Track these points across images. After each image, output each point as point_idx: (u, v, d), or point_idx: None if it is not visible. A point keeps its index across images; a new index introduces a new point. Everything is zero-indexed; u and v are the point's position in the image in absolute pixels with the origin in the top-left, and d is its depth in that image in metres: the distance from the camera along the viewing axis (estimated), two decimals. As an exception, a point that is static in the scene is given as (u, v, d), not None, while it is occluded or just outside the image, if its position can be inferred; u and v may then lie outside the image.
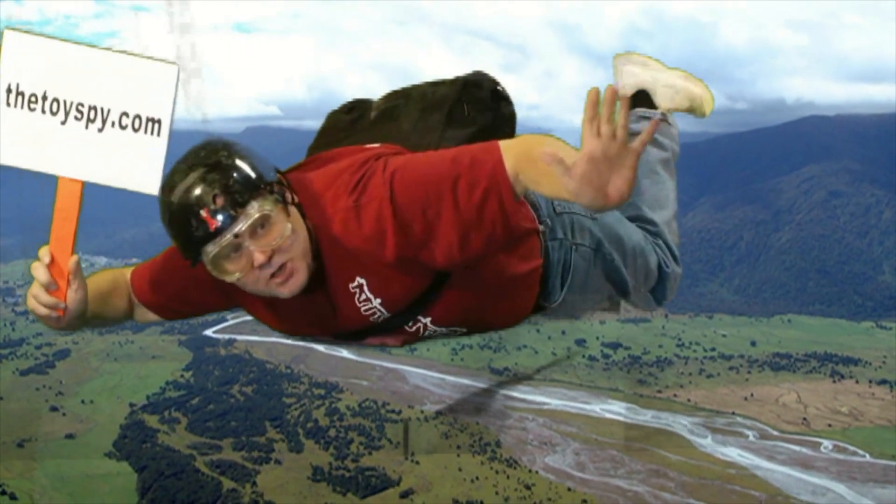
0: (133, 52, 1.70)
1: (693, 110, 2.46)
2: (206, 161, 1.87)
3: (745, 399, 67.00)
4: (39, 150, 1.73)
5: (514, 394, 62.81)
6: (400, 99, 2.40)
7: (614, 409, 64.52)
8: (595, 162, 1.59)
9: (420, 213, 1.88)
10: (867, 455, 56.67)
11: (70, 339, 79.48)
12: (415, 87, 2.40)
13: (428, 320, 2.17)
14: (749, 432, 60.78)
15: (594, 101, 1.57)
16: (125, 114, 1.73)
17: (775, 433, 60.54)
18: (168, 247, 2.20)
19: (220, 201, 1.79)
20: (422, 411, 60.78)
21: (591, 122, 1.58)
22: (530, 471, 52.79)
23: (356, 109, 2.48)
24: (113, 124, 1.72)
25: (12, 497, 46.81)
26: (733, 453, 57.01)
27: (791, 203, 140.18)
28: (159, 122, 1.78)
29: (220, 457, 53.21)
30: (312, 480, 50.34)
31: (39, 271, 1.79)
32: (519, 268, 2.21)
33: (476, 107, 2.32)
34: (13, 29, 1.67)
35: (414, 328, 2.19)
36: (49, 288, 1.80)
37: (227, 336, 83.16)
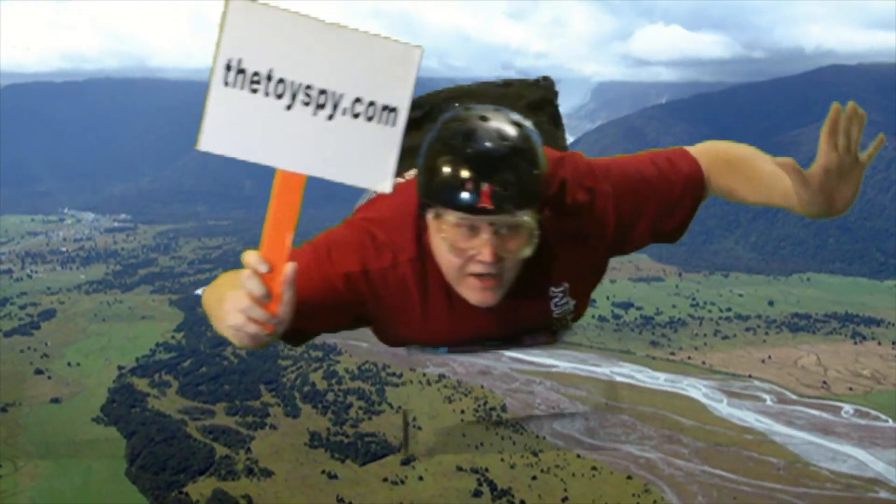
0: (371, 31, 1.55)
1: None
2: (524, 144, 1.77)
3: (763, 361, 66.60)
4: (257, 138, 1.51)
5: (521, 356, 62.00)
6: (474, 98, 2.48)
7: (625, 372, 64.02)
8: (830, 173, 1.76)
9: (634, 211, 2.02)
10: (890, 420, 56.07)
11: (56, 298, 79.52)
12: (478, 86, 2.72)
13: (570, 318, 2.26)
14: (766, 396, 60.40)
15: (836, 115, 1.67)
16: (359, 100, 1.55)
17: (794, 397, 60.17)
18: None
19: (509, 190, 1.72)
20: (424, 374, 60.19)
21: (830, 135, 1.71)
22: (537, 437, 52.38)
23: (416, 107, 2.24)
24: (345, 111, 1.54)
25: (-5, 464, 46.54)
26: (750, 418, 56.60)
27: (811, 156, 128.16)
28: (395, 110, 1.57)
29: (212, 422, 52.90)
30: (309, 446, 49.98)
31: (254, 283, 1.50)
32: None
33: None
34: None
35: (558, 328, 2.26)
36: (263, 301, 1.53)
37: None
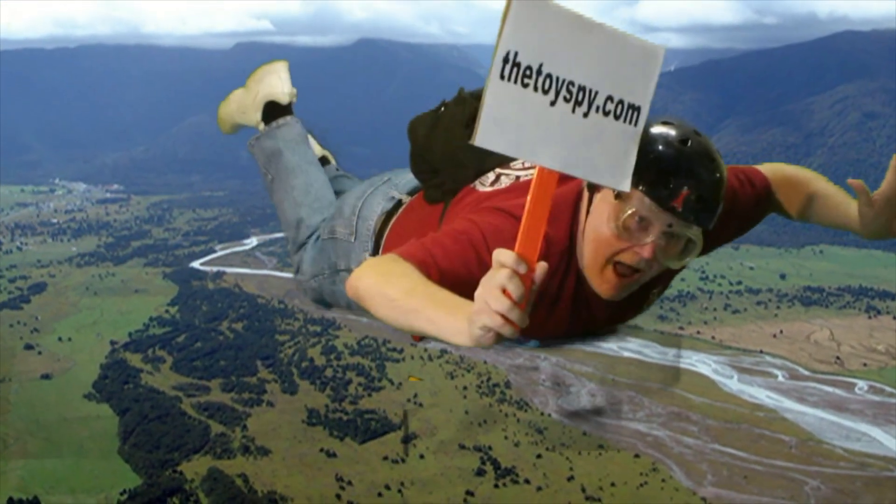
0: (622, 30, 1.63)
1: None
2: (722, 170, 1.98)
3: (774, 336, 66.14)
4: (525, 133, 1.55)
5: (525, 331, 61.45)
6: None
7: (633, 348, 63.21)
8: (893, 198, 2.03)
9: (725, 221, 2.14)
10: (905, 396, 55.55)
11: (46, 271, 78.96)
12: None
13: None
14: (778, 372, 59.98)
15: None
16: (610, 98, 1.62)
17: (806, 373, 59.72)
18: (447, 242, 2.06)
19: (703, 203, 1.91)
20: (425, 350, 59.59)
21: None
22: (542, 414, 51.91)
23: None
24: (598, 109, 1.60)
25: (-17, 442, 46.11)
26: (761, 395, 56.20)
27: (823, 125, 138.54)
28: (639, 109, 1.66)
29: (207, 399, 52.46)
30: (307, 424, 49.55)
31: (514, 283, 1.51)
32: None
33: None
34: None
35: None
36: (520, 302, 1.55)
37: (215, 268, 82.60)
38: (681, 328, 68.19)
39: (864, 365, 60.72)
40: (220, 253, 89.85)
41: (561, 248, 2.06)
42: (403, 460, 45.86)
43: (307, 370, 56.67)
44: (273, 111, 3.60)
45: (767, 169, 2.33)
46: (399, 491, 42.88)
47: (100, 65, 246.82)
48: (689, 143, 1.92)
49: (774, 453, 47.84)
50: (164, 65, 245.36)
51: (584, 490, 43.01)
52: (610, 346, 63.37)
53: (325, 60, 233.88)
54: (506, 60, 1.47)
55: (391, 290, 1.78)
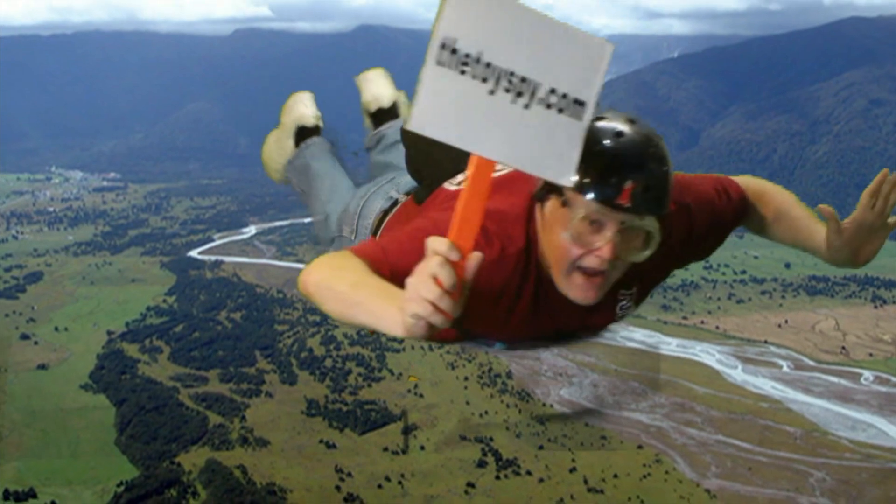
0: (569, 24, 1.63)
1: None
2: (661, 152, 1.94)
3: (779, 326, 65.97)
4: (461, 121, 1.57)
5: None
6: None
7: (636, 338, 63.15)
8: (861, 228, 2.03)
9: (703, 226, 2.22)
10: (911, 387, 55.33)
11: (42, 260, 78.75)
12: None
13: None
14: (783, 362, 59.80)
15: (882, 178, 1.97)
16: (553, 91, 1.61)
17: (811, 363, 59.54)
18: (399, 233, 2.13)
19: (648, 195, 1.87)
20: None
21: (871, 196, 1.99)
22: (544, 404, 51.75)
23: None
24: (540, 101, 1.60)
25: (-21, 434, 45.91)
26: (766, 385, 56.02)
27: (829, 112, 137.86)
28: (584, 104, 1.64)
29: (205, 389, 52.29)
30: (307, 415, 49.39)
31: (445, 271, 1.51)
32: None
33: None
34: None
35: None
36: (451, 291, 1.56)
37: (213, 257, 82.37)
38: (684, 318, 67.97)
39: (870, 355, 60.48)
40: (218, 242, 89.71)
41: (519, 246, 2.03)
42: (404, 451, 45.72)
43: (306, 360, 56.48)
44: (303, 135, 3.75)
45: (743, 181, 2.33)
46: (399, 483, 42.75)
47: (97, 51, 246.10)
48: (624, 135, 1.89)
49: (779, 444, 47.68)
50: (162, 51, 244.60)
51: (586, 482, 42.89)
52: (612, 335, 63.20)
53: (324, 47, 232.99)
54: (443, 47, 1.48)
55: (338, 284, 1.78)
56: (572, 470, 43.92)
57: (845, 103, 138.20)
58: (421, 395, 51.85)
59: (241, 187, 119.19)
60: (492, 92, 1.52)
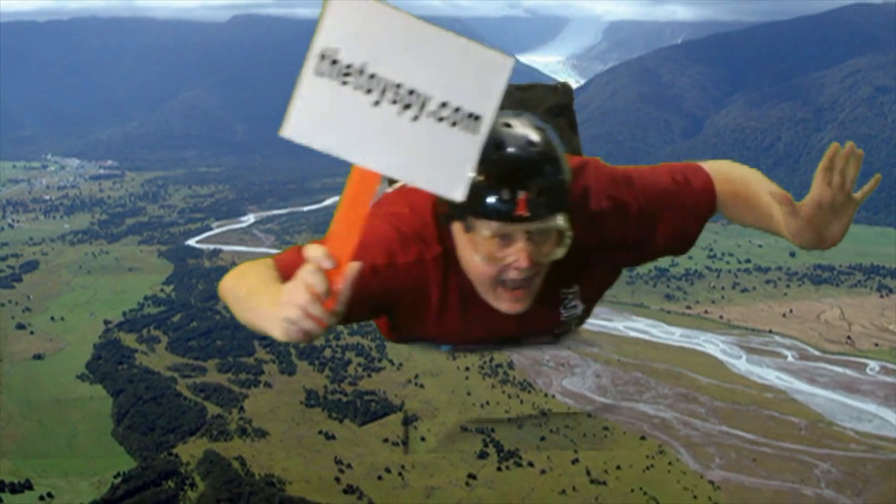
0: (466, 36, 1.63)
1: None
2: (550, 151, 1.89)
3: (784, 316, 65.77)
4: (342, 131, 1.59)
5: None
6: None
7: (639, 327, 63.11)
8: (821, 207, 1.86)
9: (650, 222, 2.13)
10: (918, 377, 55.03)
11: (38, 249, 78.46)
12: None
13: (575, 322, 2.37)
14: (788, 352, 59.56)
15: (833, 153, 1.79)
16: (445, 104, 1.60)
17: (816, 353, 59.34)
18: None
19: (542, 196, 1.84)
20: (426, 329, 59.33)
21: (825, 171, 1.82)
22: (546, 395, 51.55)
23: None
24: (430, 114, 1.59)
25: (-26, 424, 45.68)
26: (770, 375, 55.81)
27: (834, 99, 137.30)
28: (479, 118, 1.62)
29: (204, 379, 52.11)
30: (306, 405, 49.23)
31: (316, 278, 1.56)
32: None
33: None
34: None
35: (562, 331, 2.35)
36: (324, 298, 1.61)
37: (211, 246, 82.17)
38: (688, 307, 67.77)
39: (876, 345, 60.32)
40: (216, 230, 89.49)
41: (435, 252, 2.02)
42: (404, 442, 45.55)
43: (305, 350, 56.18)
44: None
45: (712, 167, 2.21)
46: (400, 474, 42.59)
47: (93, 38, 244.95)
48: (504, 144, 1.83)
49: (784, 436, 47.49)
50: (159, 38, 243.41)
51: (588, 473, 42.74)
52: (615, 325, 63.09)
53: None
54: (323, 57, 1.50)
55: (239, 290, 1.81)
56: (574, 461, 43.76)
57: (850, 90, 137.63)
58: (422, 386, 51.67)
59: (239, 175, 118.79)
60: (376, 103, 1.52)
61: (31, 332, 58.89)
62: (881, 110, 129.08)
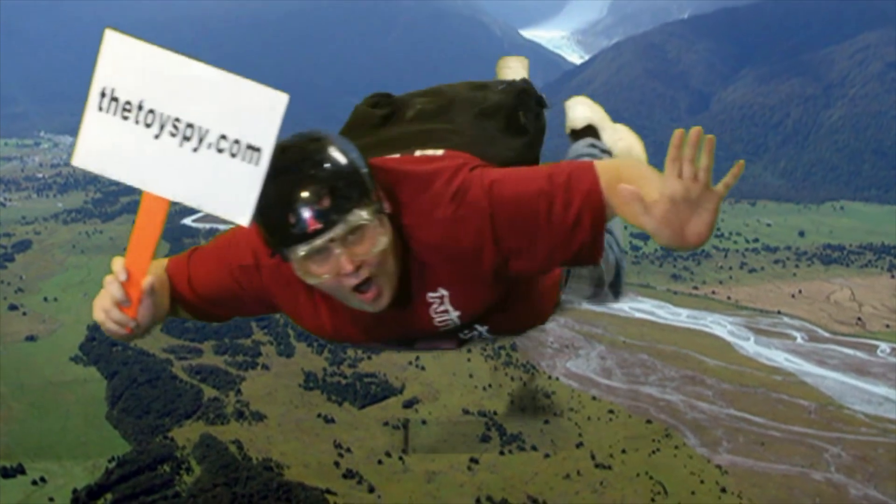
0: (242, 75, 1.84)
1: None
2: (315, 156, 1.89)
3: (793, 296, 65.58)
4: (126, 161, 1.82)
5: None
6: (436, 99, 2.61)
7: (645, 308, 62.90)
8: (675, 203, 1.73)
9: (517, 230, 2.00)
10: (929, 360, 54.84)
11: (31, 228, 78.00)
12: (450, 88, 2.67)
13: (485, 329, 2.32)
14: (797, 334, 59.40)
15: (678, 142, 1.70)
16: (224, 137, 1.81)
17: (826, 335, 59.17)
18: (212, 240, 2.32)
19: (326, 203, 1.84)
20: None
21: (673, 163, 1.71)
22: (550, 377, 51.30)
23: (382, 105, 2.64)
24: (210, 146, 1.80)
25: (-35, 407, 45.46)
26: (779, 357, 55.65)
27: (844, 75, 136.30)
28: (259, 150, 1.81)
29: (200, 362, 51.79)
30: (304, 388, 48.98)
31: (114, 287, 1.88)
32: (558, 270, 2.51)
33: (527, 116, 2.59)
34: (115, 30, 1.83)
35: (469, 336, 2.34)
36: (122, 305, 1.90)
37: (207, 225, 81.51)
38: (695, 288, 67.58)
39: (887, 326, 60.11)
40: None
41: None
42: (405, 426, 45.36)
43: (304, 332, 54.96)
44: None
45: (606, 166, 1.98)
46: (400, 458, 42.48)
47: (87, 10, 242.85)
48: (277, 170, 1.81)
49: (793, 419, 47.35)
50: (154, 12, 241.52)
51: (593, 457, 42.65)
52: (620, 306, 62.71)
53: (321, 8, 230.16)
54: (103, 94, 1.72)
55: None
56: (579, 445, 43.67)
57: (860, 66, 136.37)
58: (423, 368, 51.34)
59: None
60: (157, 136, 1.71)
61: (24, 314, 58.54)
62: (892, 86, 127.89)
